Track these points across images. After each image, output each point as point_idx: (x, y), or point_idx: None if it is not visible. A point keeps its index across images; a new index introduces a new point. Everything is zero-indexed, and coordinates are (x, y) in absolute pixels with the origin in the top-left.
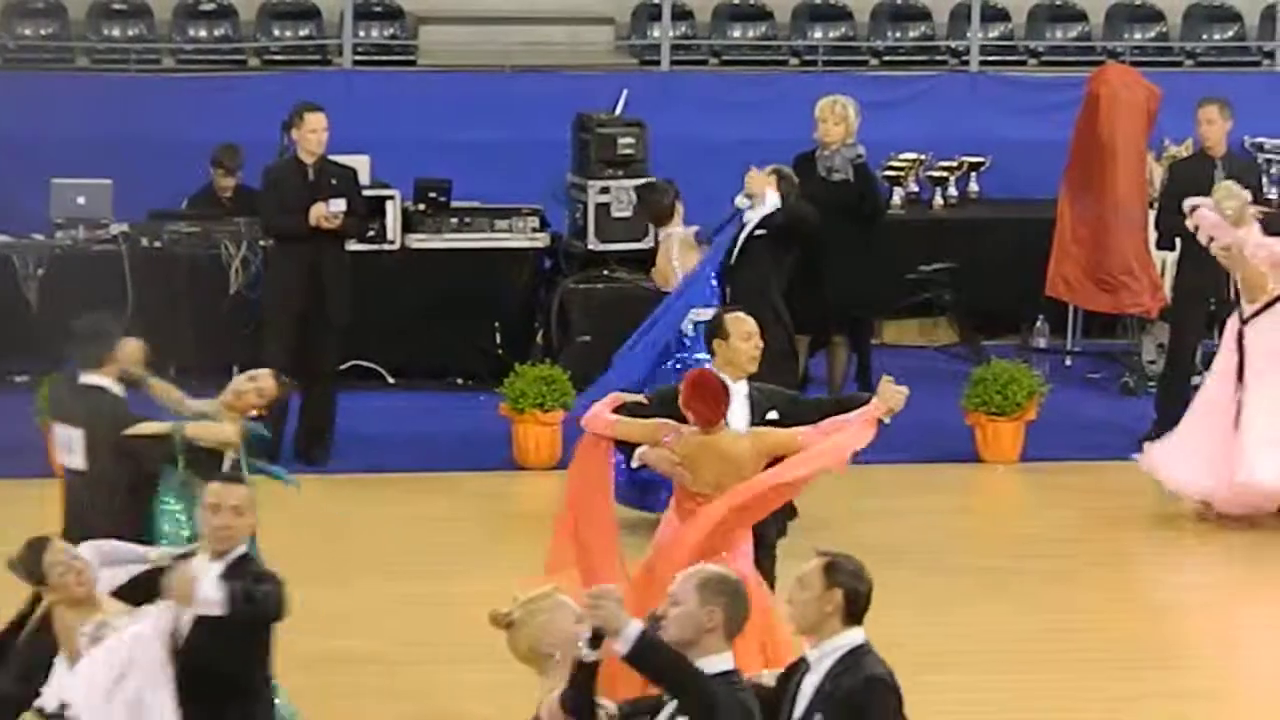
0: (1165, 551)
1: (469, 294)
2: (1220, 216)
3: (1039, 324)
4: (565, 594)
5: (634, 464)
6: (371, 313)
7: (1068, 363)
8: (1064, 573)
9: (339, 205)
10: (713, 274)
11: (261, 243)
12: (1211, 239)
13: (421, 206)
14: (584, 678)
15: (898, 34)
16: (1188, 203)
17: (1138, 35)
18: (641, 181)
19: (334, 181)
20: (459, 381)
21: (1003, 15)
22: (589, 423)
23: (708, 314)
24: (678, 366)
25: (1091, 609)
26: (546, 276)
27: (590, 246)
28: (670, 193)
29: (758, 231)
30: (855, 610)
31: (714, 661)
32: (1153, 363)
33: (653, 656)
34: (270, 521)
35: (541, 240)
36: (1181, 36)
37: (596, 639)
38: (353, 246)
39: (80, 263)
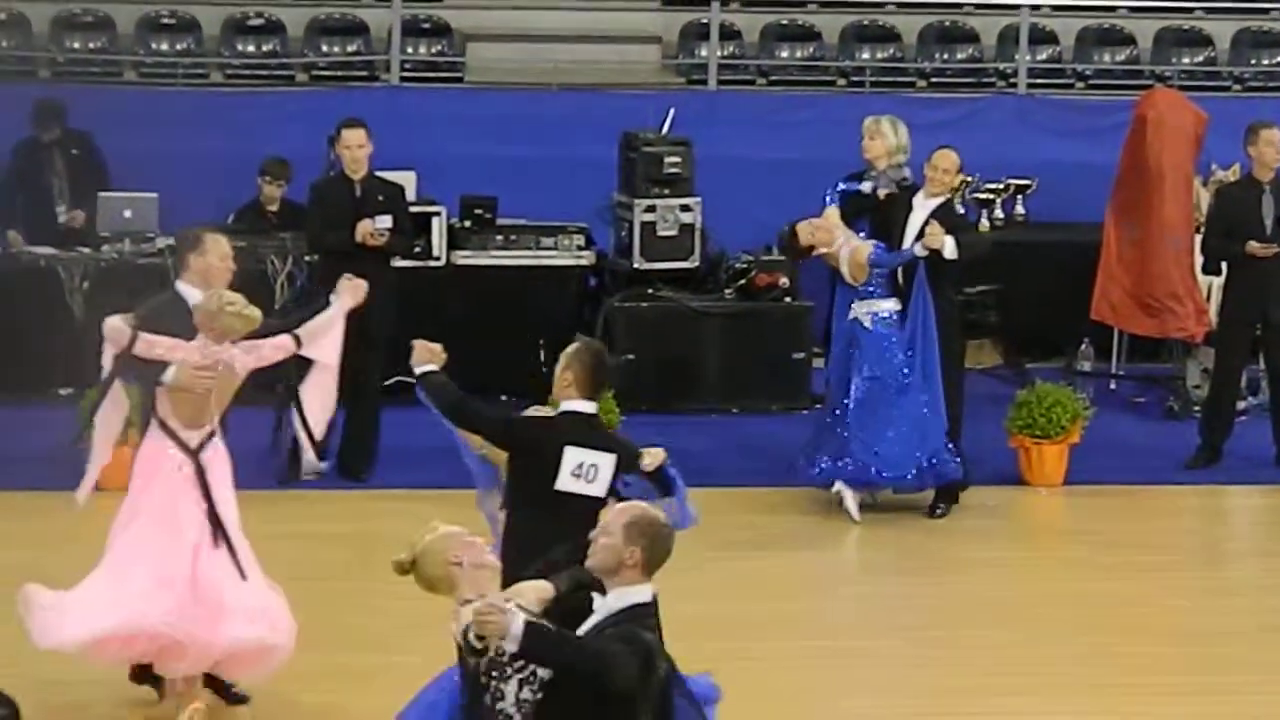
0: (1210, 575)
1: (514, 311)
2: None
3: (1084, 347)
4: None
5: None
6: (416, 329)
7: (1112, 386)
8: (1107, 596)
9: (385, 222)
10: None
11: (307, 258)
12: None
13: (467, 223)
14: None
15: (945, 55)
16: None
17: (1185, 59)
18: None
19: (380, 198)
20: (503, 398)
21: (1051, 38)
22: None
23: (885, 306)
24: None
25: (1137, 633)
26: (591, 294)
27: (635, 265)
28: None
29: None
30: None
31: (630, 593)
32: (1197, 387)
33: (540, 645)
34: (314, 535)
35: (587, 258)
36: (1229, 61)
37: (479, 643)
38: (398, 263)
39: (126, 276)
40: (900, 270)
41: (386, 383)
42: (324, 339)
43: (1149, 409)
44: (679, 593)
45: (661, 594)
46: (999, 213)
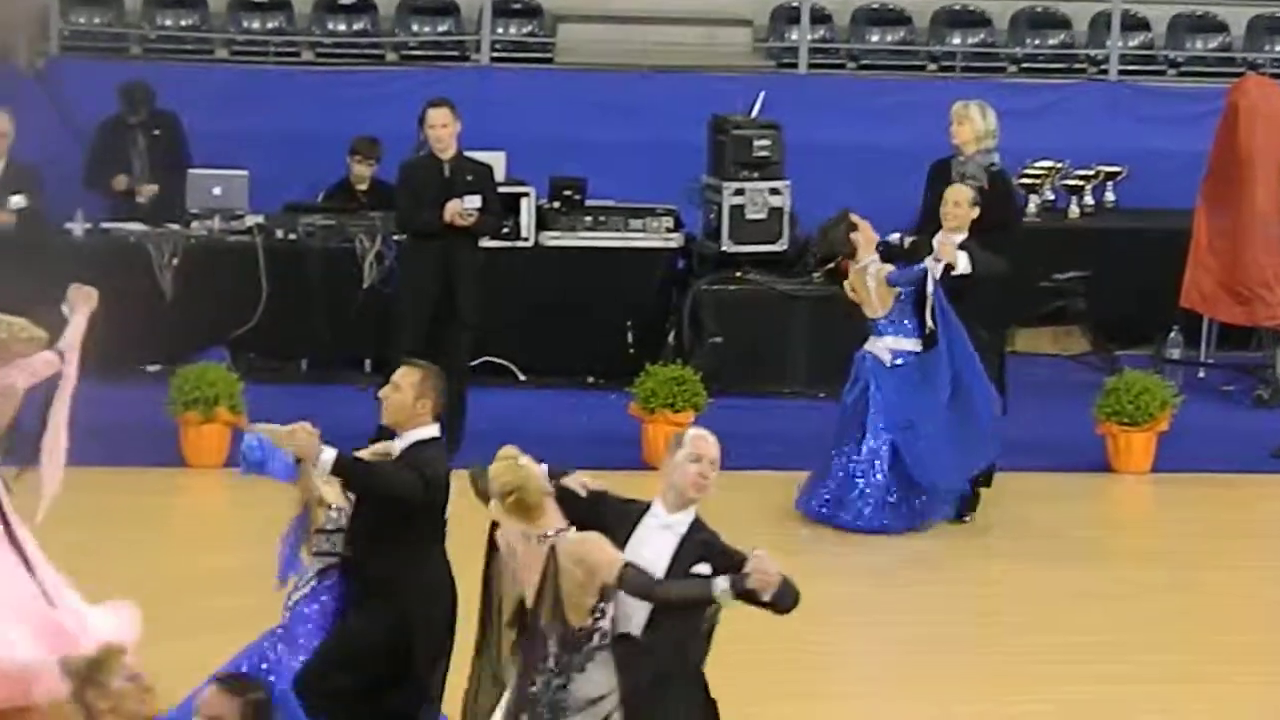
0: None
1: (602, 293)
2: None
3: (1173, 335)
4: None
5: None
6: (504, 310)
7: (1201, 374)
8: (1196, 583)
9: (474, 202)
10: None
11: (395, 237)
12: None
13: (556, 204)
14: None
15: (1037, 41)
16: None
17: (1279, 47)
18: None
19: (469, 178)
20: (590, 380)
21: (1143, 25)
22: None
23: (908, 345)
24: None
25: (1227, 620)
26: (679, 277)
27: (724, 248)
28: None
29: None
30: None
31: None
32: None
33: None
34: None
35: (675, 241)
36: None
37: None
38: (486, 243)
39: (215, 253)
40: (930, 313)
41: (473, 363)
42: (75, 354)
43: (1238, 397)
44: None
45: None
46: (1089, 199)
